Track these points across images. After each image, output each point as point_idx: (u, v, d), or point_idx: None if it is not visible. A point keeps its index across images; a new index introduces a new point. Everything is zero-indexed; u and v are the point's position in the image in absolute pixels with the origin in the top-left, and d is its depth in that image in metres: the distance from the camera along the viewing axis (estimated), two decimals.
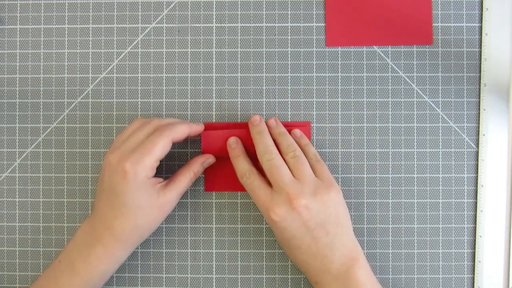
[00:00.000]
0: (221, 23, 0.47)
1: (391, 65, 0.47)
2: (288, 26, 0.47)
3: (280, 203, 0.40)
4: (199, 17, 0.47)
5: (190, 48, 0.47)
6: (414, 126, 0.46)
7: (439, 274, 0.46)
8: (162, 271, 0.46)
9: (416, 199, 0.46)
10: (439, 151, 0.46)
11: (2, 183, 0.47)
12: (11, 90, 0.47)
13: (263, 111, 0.47)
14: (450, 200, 0.46)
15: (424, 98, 0.46)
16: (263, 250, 0.46)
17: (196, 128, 0.43)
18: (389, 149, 0.46)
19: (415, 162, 0.46)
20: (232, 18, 0.47)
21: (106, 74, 0.47)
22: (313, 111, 0.47)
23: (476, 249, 0.46)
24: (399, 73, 0.47)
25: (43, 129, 0.47)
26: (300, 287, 0.46)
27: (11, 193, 0.47)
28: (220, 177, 0.46)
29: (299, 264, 0.42)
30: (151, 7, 0.47)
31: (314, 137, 0.46)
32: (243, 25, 0.47)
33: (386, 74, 0.47)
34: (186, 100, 0.47)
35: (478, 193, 0.46)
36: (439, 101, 0.46)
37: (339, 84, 0.47)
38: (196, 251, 0.46)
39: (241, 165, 0.43)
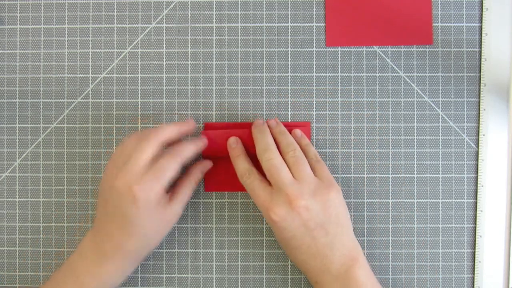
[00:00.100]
0: (221, 23, 0.47)
1: (391, 65, 0.47)
2: (288, 26, 0.47)
3: (280, 203, 0.40)
4: (199, 17, 0.47)
5: (190, 48, 0.47)
6: (414, 126, 0.46)
7: (439, 274, 0.46)
8: (162, 271, 0.46)
9: (416, 199, 0.46)
10: (439, 151, 0.46)
11: (2, 183, 0.47)
12: (11, 90, 0.47)
13: (263, 111, 0.47)
14: (450, 200, 0.46)
15: (424, 98, 0.46)
16: (263, 250, 0.46)
17: (202, 147, 0.43)
18: (389, 149, 0.46)
19: (415, 162, 0.46)
20: (232, 18, 0.47)
21: (106, 74, 0.47)
22: (313, 111, 0.47)
23: (476, 249, 0.46)
24: (399, 73, 0.47)
25: (43, 129, 0.47)
26: (300, 287, 0.46)
27: (11, 193, 0.47)
28: (220, 177, 0.46)
29: (299, 264, 0.42)
30: (151, 7, 0.47)
31: (314, 137, 0.46)
32: (243, 25, 0.47)
33: (386, 74, 0.47)
34: (186, 100, 0.47)
35: (478, 193, 0.46)
36: (439, 101, 0.46)
37: (339, 84, 0.47)
38: (196, 251, 0.46)
39: (241, 165, 0.43)
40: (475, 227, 0.46)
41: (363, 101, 0.47)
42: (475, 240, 0.46)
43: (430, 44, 0.46)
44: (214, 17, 0.47)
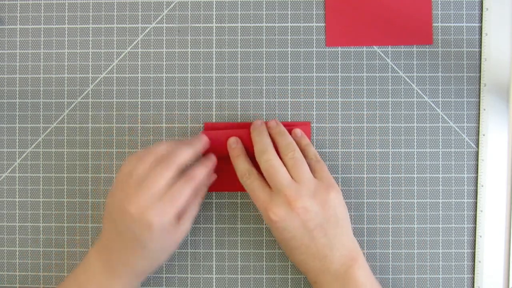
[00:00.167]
0: (221, 23, 0.47)
1: (391, 65, 0.47)
2: (288, 26, 0.47)
3: (279, 204, 0.40)
4: (199, 17, 0.47)
5: (190, 48, 0.47)
6: (414, 126, 0.46)
7: (439, 274, 0.46)
8: (162, 271, 0.46)
9: (416, 199, 0.46)
10: (439, 151, 0.46)
11: (2, 183, 0.47)
12: (11, 90, 0.47)
13: (263, 111, 0.47)
14: (450, 200, 0.46)
15: (424, 98, 0.46)
16: (263, 250, 0.46)
17: (212, 167, 0.43)
18: (389, 149, 0.46)
19: (415, 162, 0.46)
20: (232, 18, 0.47)
21: (106, 74, 0.47)
22: (313, 111, 0.47)
23: (476, 249, 0.46)
24: (399, 73, 0.47)
25: (43, 129, 0.47)
26: (300, 287, 0.46)
27: (11, 193, 0.47)
28: (220, 177, 0.46)
29: (298, 264, 0.42)
30: (151, 7, 0.47)
31: (314, 137, 0.46)
32: (243, 25, 0.47)
33: (386, 74, 0.47)
34: (186, 100, 0.47)
35: (478, 193, 0.46)
36: (439, 101, 0.46)
37: (339, 84, 0.47)
38: (196, 251, 0.46)
39: (241, 165, 0.43)
40: (475, 227, 0.46)
41: (363, 101, 0.47)
42: (475, 240, 0.46)
43: (430, 44, 0.46)
44: (214, 17, 0.47)
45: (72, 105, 0.47)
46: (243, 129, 0.45)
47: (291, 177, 0.41)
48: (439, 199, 0.46)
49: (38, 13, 0.47)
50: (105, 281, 0.40)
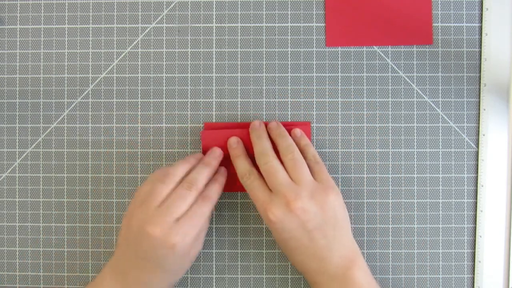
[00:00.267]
0: (221, 23, 0.47)
1: (391, 65, 0.47)
2: (288, 26, 0.47)
3: (277, 204, 0.40)
4: (199, 17, 0.47)
5: (190, 48, 0.47)
6: (414, 126, 0.46)
7: (439, 274, 0.46)
8: None
9: (416, 199, 0.46)
10: (439, 151, 0.46)
11: (2, 183, 0.47)
12: (11, 90, 0.47)
13: (263, 111, 0.47)
14: (450, 200, 0.46)
15: (424, 98, 0.46)
16: (263, 250, 0.46)
17: (224, 182, 0.44)
18: (389, 149, 0.46)
19: (415, 162, 0.46)
20: (232, 18, 0.47)
21: (106, 74, 0.47)
22: (313, 111, 0.47)
23: (476, 249, 0.46)
24: (399, 73, 0.47)
25: (43, 129, 0.47)
26: (300, 287, 0.46)
27: (11, 193, 0.47)
28: None
29: (297, 264, 0.42)
30: (151, 7, 0.47)
31: (314, 137, 0.46)
32: (243, 25, 0.47)
33: (386, 74, 0.47)
34: (186, 100, 0.47)
35: (478, 193, 0.46)
36: (439, 101, 0.46)
37: (339, 84, 0.47)
38: None
39: (242, 165, 0.43)
40: (475, 227, 0.46)
41: (363, 101, 0.47)
42: (475, 240, 0.46)
43: (430, 44, 0.46)
44: (214, 17, 0.47)
45: (72, 105, 0.47)
46: (244, 129, 0.45)
47: (291, 178, 0.41)
48: (439, 199, 0.46)
49: (38, 13, 0.47)
50: None
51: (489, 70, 0.46)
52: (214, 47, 0.47)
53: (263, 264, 0.46)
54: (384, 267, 0.46)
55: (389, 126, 0.46)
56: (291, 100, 0.47)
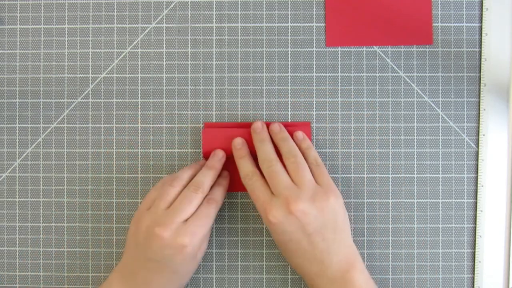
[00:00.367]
0: (221, 23, 0.47)
1: (391, 65, 0.47)
2: (288, 26, 0.47)
3: (278, 206, 0.40)
4: (199, 17, 0.47)
5: (190, 48, 0.47)
6: (414, 126, 0.46)
7: (439, 274, 0.46)
8: None
9: (416, 199, 0.46)
10: (439, 151, 0.46)
11: (2, 183, 0.47)
12: (11, 90, 0.47)
13: (263, 111, 0.47)
14: (450, 200, 0.46)
15: (424, 98, 0.46)
16: (263, 250, 0.46)
17: (227, 185, 0.45)
18: (389, 149, 0.46)
19: (415, 162, 0.46)
20: (232, 18, 0.47)
21: (106, 74, 0.47)
22: (313, 111, 0.47)
23: (476, 249, 0.46)
24: (399, 73, 0.47)
25: (43, 129, 0.47)
26: (300, 287, 0.46)
27: (11, 193, 0.47)
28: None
29: (295, 266, 0.42)
30: (151, 7, 0.47)
31: (314, 137, 0.46)
32: (243, 25, 0.47)
33: (386, 74, 0.47)
34: (186, 100, 0.47)
35: (478, 193, 0.46)
36: (439, 101, 0.46)
37: (339, 84, 0.47)
38: None
39: (245, 166, 0.43)
40: (475, 227, 0.46)
41: (363, 101, 0.47)
42: (475, 240, 0.46)
43: (430, 44, 0.46)
44: (214, 17, 0.47)
45: (72, 105, 0.47)
46: (245, 129, 0.45)
47: (293, 181, 0.41)
48: (439, 199, 0.46)
49: (38, 13, 0.47)
50: None
51: (489, 70, 0.46)
52: (214, 47, 0.47)
53: (263, 264, 0.46)
54: (384, 267, 0.46)
55: (389, 126, 0.46)
56: (291, 100, 0.47)
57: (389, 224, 0.46)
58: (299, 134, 0.45)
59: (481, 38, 0.46)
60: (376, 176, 0.46)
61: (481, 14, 0.46)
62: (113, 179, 0.47)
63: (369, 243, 0.46)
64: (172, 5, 0.47)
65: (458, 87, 0.46)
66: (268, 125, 0.45)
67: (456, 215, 0.46)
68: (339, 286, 0.40)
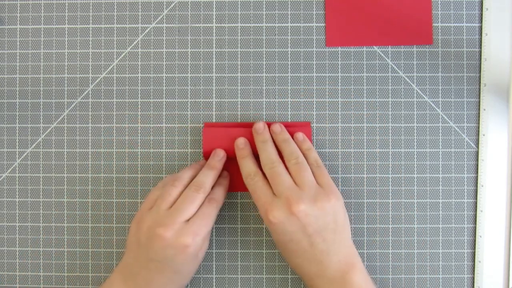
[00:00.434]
0: (221, 23, 0.47)
1: (391, 65, 0.47)
2: (288, 26, 0.47)
3: (279, 206, 0.40)
4: (199, 17, 0.47)
5: (190, 48, 0.47)
6: (414, 126, 0.46)
7: (439, 274, 0.46)
8: None
9: (416, 199, 0.46)
10: (439, 151, 0.46)
11: (2, 183, 0.47)
12: (11, 90, 0.47)
13: (263, 111, 0.47)
14: (450, 200, 0.46)
15: (424, 98, 0.46)
16: (263, 250, 0.46)
17: (228, 185, 0.45)
18: (389, 149, 0.46)
19: (415, 162, 0.46)
20: (232, 18, 0.47)
21: (106, 74, 0.47)
22: (313, 111, 0.47)
23: (476, 249, 0.46)
24: (399, 73, 0.47)
25: (43, 129, 0.47)
26: (300, 287, 0.46)
27: (11, 193, 0.47)
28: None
29: (294, 267, 0.42)
30: (151, 7, 0.47)
31: (314, 137, 0.46)
32: (243, 25, 0.47)
33: (386, 74, 0.47)
34: (186, 100, 0.47)
35: (478, 193, 0.46)
36: (439, 101, 0.46)
37: (339, 84, 0.47)
38: None
39: (248, 166, 0.43)
40: (475, 227, 0.46)
41: (363, 101, 0.47)
42: (475, 240, 0.46)
43: (430, 44, 0.46)
44: (214, 17, 0.47)
45: (72, 105, 0.47)
46: (246, 128, 0.45)
47: (294, 182, 0.41)
48: (439, 199, 0.46)
49: (38, 13, 0.47)
50: None
51: (489, 70, 0.46)
52: (214, 47, 0.47)
53: (263, 264, 0.46)
54: (384, 267, 0.46)
55: (389, 126, 0.46)
56: (291, 100, 0.47)
57: (389, 224, 0.46)
58: (299, 136, 0.45)
59: (481, 38, 0.46)
60: (376, 176, 0.46)
61: (481, 14, 0.46)
62: (113, 179, 0.47)
63: (369, 243, 0.46)
64: (172, 5, 0.47)
65: (458, 87, 0.46)
66: (268, 125, 0.45)
67: (456, 215, 0.46)
68: (338, 286, 0.40)
